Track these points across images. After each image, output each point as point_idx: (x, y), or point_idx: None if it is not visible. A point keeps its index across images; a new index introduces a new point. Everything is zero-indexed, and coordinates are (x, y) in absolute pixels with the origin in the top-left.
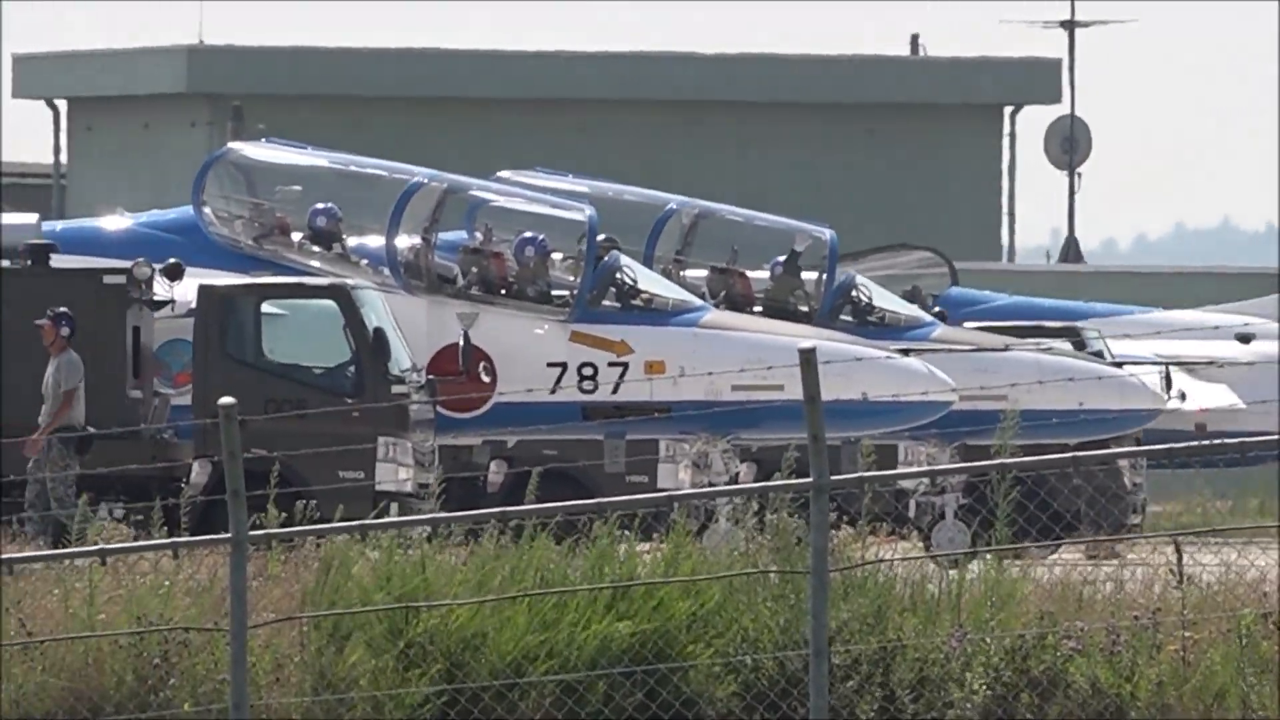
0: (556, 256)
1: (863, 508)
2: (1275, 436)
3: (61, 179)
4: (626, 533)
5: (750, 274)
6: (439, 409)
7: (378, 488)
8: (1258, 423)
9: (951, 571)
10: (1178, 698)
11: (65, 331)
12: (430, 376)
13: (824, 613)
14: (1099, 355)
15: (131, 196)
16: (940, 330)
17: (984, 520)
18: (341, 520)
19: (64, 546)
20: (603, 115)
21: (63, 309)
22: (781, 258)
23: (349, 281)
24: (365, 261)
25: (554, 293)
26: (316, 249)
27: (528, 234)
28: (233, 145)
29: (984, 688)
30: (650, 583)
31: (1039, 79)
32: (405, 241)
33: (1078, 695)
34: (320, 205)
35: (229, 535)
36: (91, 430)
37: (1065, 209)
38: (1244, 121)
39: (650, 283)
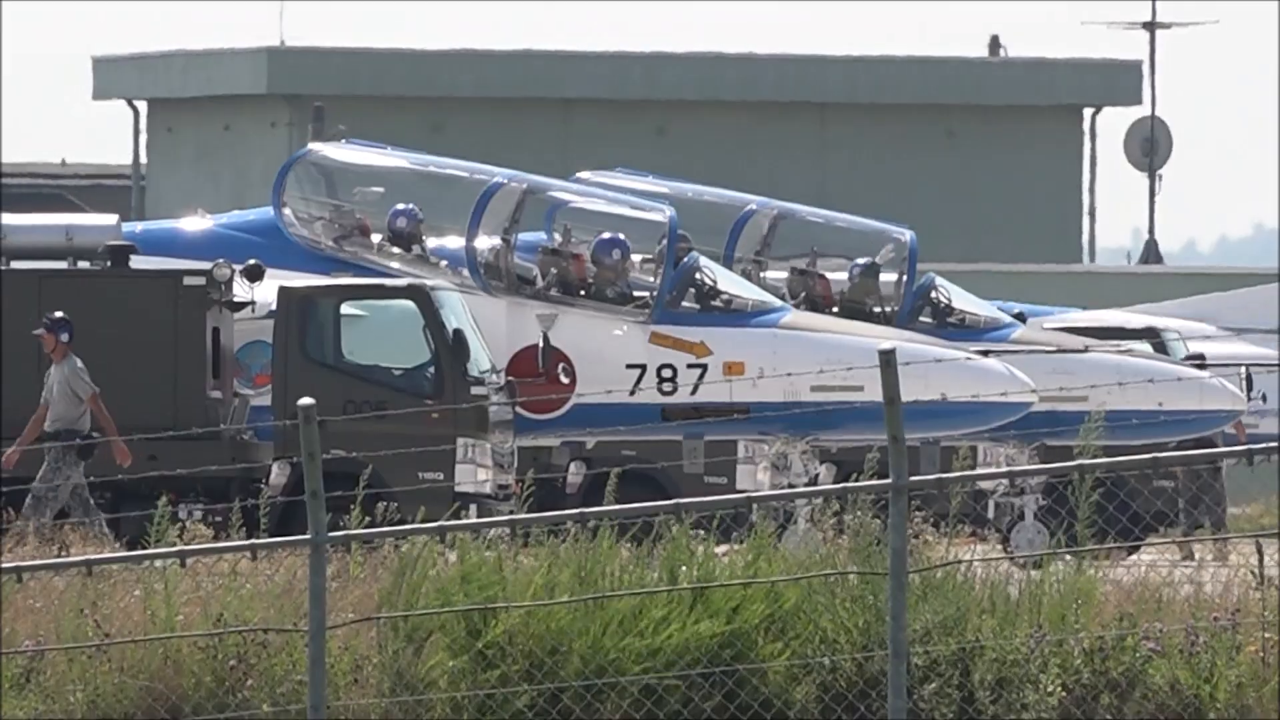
0: (636, 258)
1: (950, 509)
2: None
3: (141, 180)
4: (702, 533)
5: (829, 275)
6: (518, 410)
7: (457, 489)
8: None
9: (1031, 573)
10: (1257, 699)
11: (65, 338)
12: (509, 378)
13: (902, 614)
14: (1201, 357)
15: (211, 198)
16: (1020, 331)
17: (1063, 522)
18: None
19: (144, 547)
20: (682, 116)
21: (59, 314)
22: (862, 260)
23: (428, 282)
24: (445, 262)
25: (633, 294)
26: (396, 250)
27: (607, 235)
28: (313, 146)
29: (1062, 689)
30: (730, 584)
31: (1119, 80)
32: (485, 242)
33: (1157, 696)
34: (400, 206)
35: (308, 536)
36: (96, 436)
37: (1146, 210)
38: None
39: (729, 284)
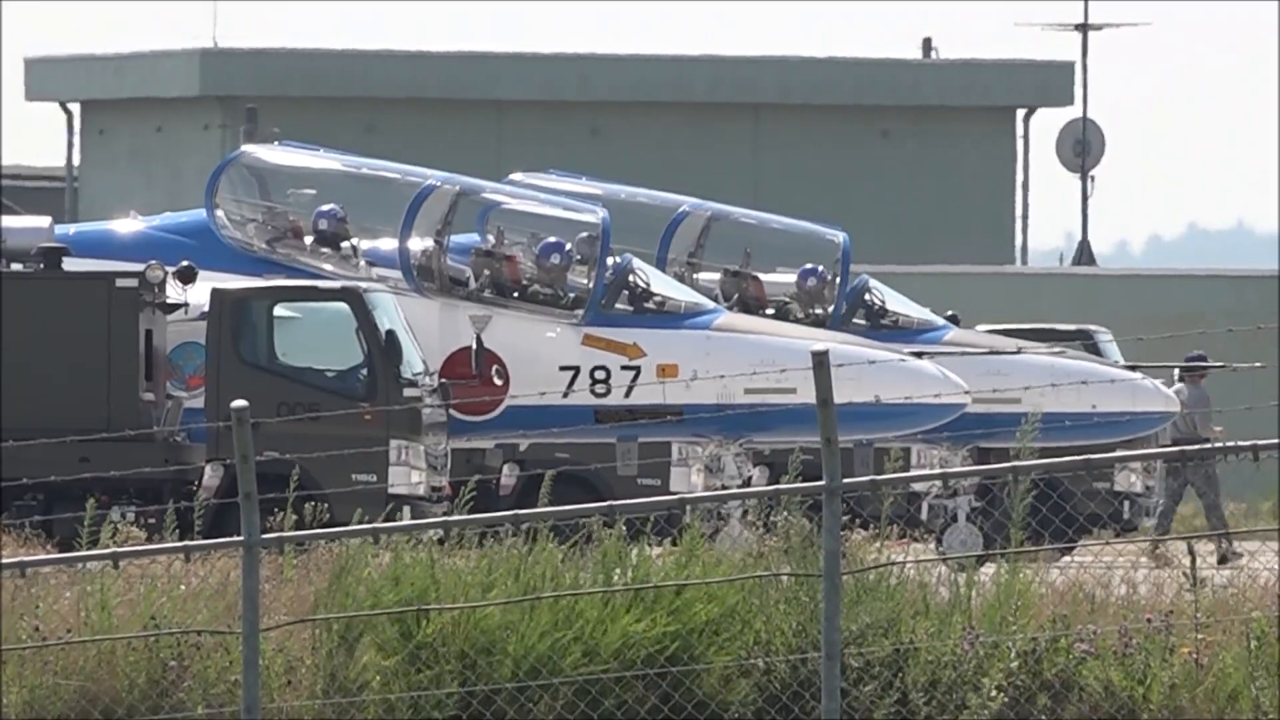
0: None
1: (881, 511)
2: None
3: (74, 182)
4: (637, 533)
5: (763, 277)
6: (451, 412)
7: (390, 491)
8: None
9: (963, 574)
10: (1190, 700)
11: None
12: (443, 380)
13: (836, 615)
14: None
15: (145, 200)
16: (953, 333)
17: (996, 523)
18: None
19: (76, 548)
20: (616, 117)
21: None
22: (810, 266)
23: (362, 284)
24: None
25: (567, 296)
26: (329, 251)
27: (550, 239)
28: (246, 148)
29: (997, 691)
30: (662, 585)
31: (1052, 82)
32: (418, 244)
33: (1091, 698)
34: (324, 207)
35: (241, 538)
36: None
37: (1078, 211)
38: (1258, 123)
39: (663, 285)
